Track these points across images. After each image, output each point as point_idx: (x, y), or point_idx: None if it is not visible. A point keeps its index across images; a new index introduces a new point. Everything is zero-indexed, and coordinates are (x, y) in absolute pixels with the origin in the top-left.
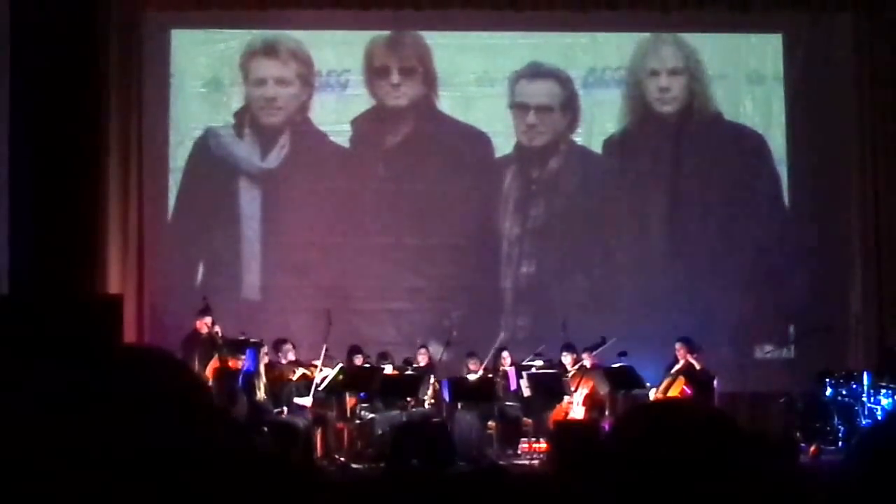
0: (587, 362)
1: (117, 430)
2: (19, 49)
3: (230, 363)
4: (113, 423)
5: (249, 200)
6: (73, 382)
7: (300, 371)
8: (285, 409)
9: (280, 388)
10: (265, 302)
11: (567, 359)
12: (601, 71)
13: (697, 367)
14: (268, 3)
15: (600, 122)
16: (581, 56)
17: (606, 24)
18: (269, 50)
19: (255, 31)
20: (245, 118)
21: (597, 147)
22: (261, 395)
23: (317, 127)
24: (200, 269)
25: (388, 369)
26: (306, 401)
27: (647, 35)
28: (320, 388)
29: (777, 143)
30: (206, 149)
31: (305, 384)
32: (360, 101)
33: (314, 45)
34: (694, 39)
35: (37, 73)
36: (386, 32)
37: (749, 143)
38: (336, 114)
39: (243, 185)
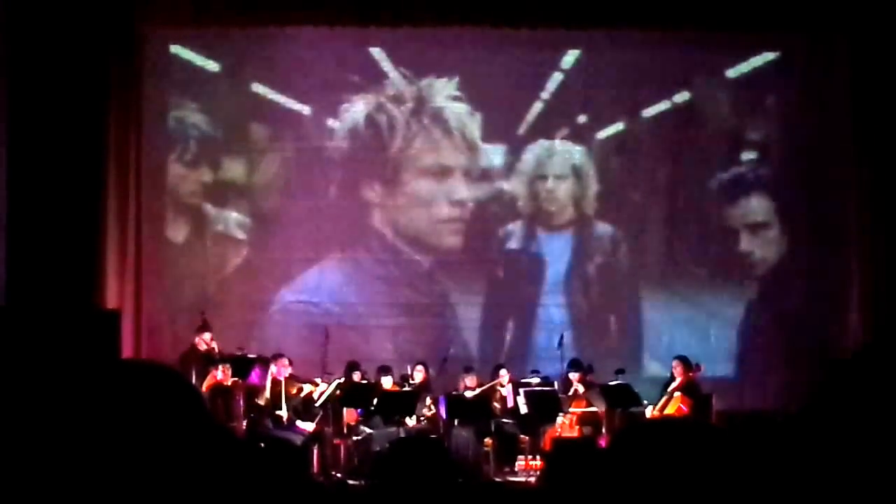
0: (580, 387)
1: (118, 442)
2: (19, 64)
3: (226, 380)
4: (113, 435)
5: (243, 215)
6: (74, 394)
7: (306, 388)
8: (285, 416)
9: (282, 402)
10: (262, 318)
11: (574, 375)
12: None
13: (694, 385)
14: (267, 20)
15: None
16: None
17: (603, 43)
18: (266, 60)
19: (253, 47)
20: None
21: (595, 160)
22: (262, 403)
23: (312, 140)
24: (197, 285)
25: (388, 382)
26: (308, 426)
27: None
28: (317, 404)
29: (773, 162)
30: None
31: (305, 404)
32: (357, 114)
33: (311, 55)
34: (694, 55)
35: (36, 88)
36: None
37: (750, 161)
38: (332, 127)
39: (236, 199)
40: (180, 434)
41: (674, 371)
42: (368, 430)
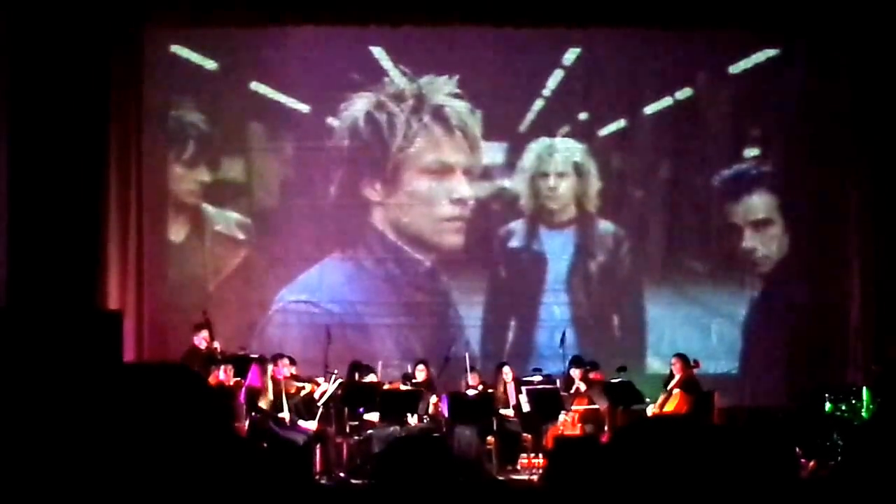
0: (582, 385)
1: (128, 442)
2: (20, 63)
3: (228, 380)
4: (122, 437)
5: (243, 215)
6: (86, 395)
7: (307, 387)
8: (287, 416)
9: (283, 402)
10: (262, 318)
11: (576, 373)
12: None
13: (694, 381)
14: (267, 19)
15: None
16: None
17: (605, 40)
18: (265, 59)
19: (252, 46)
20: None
21: (596, 157)
22: (265, 406)
23: (312, 139)
24: (198, 285)
25: (373, 380)
26: (311, 424)
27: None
28: (319, 404)
29: (775, 159)
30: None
31: (306, 404)
32: (357, 113)
33: (311, 54)
34: (695, 52)
35: (38, 88)
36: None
37: (752, 157)
38: (332, 126)
39: (235, 199)
40: (206, 436)
41: (673, 368)
42: (370, 430)
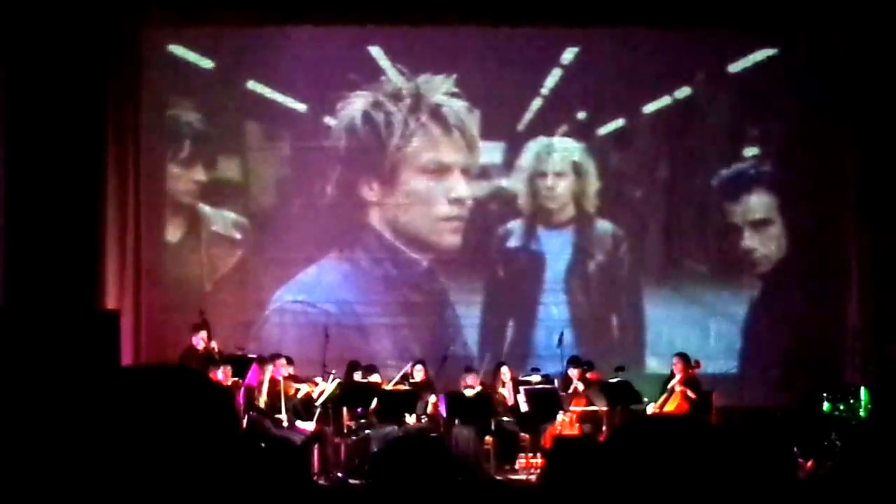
0: (580, 385)
1: (129, 446)
2: (17, 64)
3: (226, 380)
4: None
5: (240, 215)
6: (87, 397)
7: (304, 388)
8: (285, 420)
9: (281, 403)
10: (260, 318)
11: (573, 372)
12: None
13: (695, 381)
14: (264, 19)
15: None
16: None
17: (603, 39)
18: (262, 58)
19: (249, 45)
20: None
21: (595, 156)
22: (261, 406)
23: (309, 139)
24: (195, 285)
25: (377, 379)
26: (308, 425)
27: None
28: (317, 404)
29: (774, 158)
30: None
31: (304, 404)
32: (354, 112)
33: (308, 53)
34: (694, 51)
35: (34, 88)
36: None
37: (751, 157)
38: (329, 125)
39: (232, 198)
40: (215, 438)
41: (674, 368)
42: (368, 430)
